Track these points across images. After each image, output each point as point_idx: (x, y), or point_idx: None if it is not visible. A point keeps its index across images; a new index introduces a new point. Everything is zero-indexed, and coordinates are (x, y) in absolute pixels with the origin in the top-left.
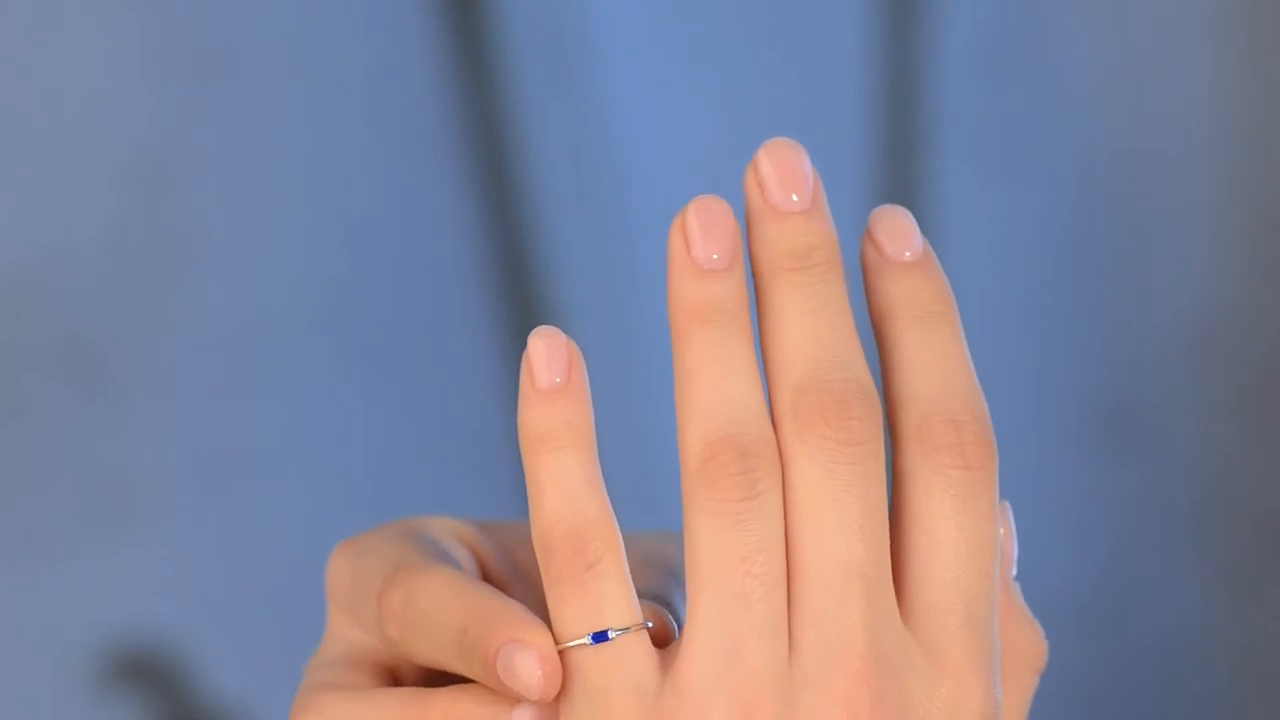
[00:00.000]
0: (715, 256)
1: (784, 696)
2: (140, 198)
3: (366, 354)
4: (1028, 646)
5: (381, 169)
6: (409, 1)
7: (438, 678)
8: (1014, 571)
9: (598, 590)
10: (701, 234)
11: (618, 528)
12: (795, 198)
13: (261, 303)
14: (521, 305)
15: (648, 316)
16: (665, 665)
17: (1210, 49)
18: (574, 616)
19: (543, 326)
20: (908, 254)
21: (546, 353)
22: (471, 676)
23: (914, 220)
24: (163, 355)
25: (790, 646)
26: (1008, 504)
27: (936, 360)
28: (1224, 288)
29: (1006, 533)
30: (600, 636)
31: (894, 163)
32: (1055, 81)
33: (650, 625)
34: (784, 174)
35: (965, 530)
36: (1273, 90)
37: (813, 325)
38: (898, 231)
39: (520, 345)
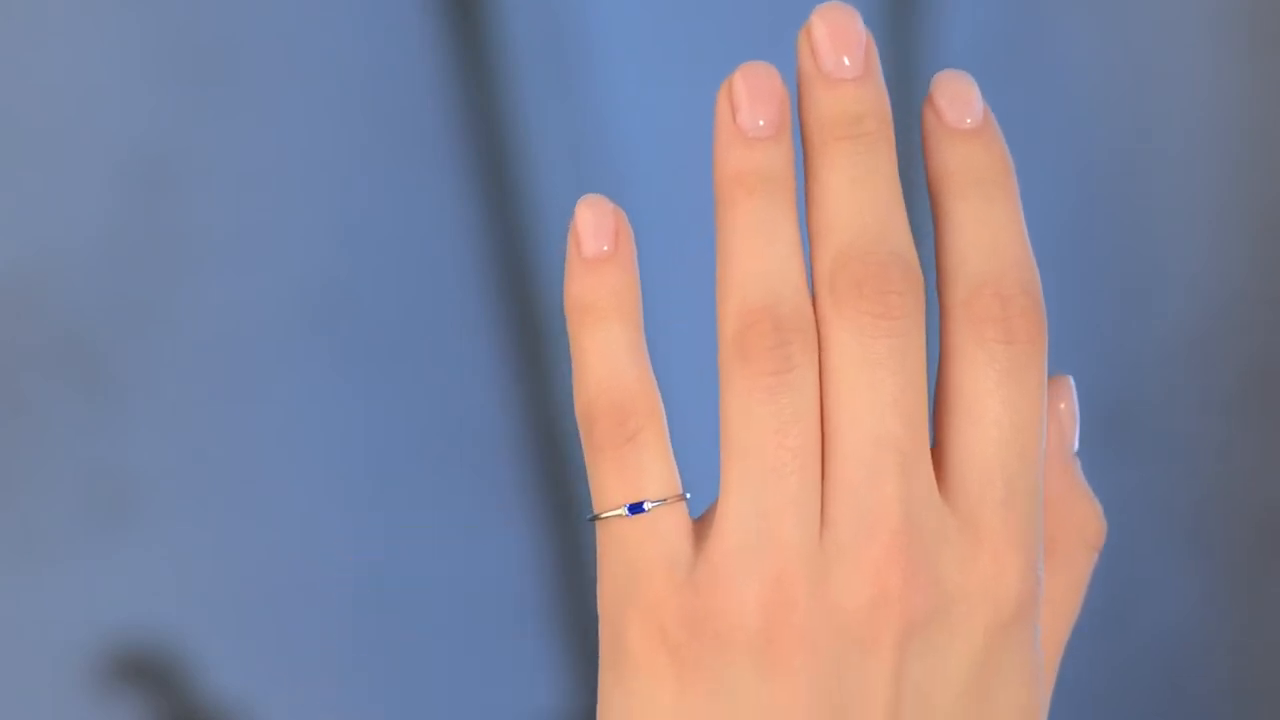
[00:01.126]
0: (761, 123)
1: (815, 570)
2: (140, 198)
3: (366, 354)
4: (1084, 524)
5: (381, 169)
6: (409, 1)
7: None
8: (1075, 447)
9: (636, 462)
10: (748, 100)
11: (658, 395)
12: (848, 61)
13: (261, 303)
14: (521, 305)
15: (647, 315)
16: (700, 538)
17: (1210, 49)
18: (612, 488)
19: (590, 195)
20: (969, 120)
21: (593, 221)
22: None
23: (976, 86)
24: (163, 355)
25: (823, 521)
26: (1070, 378)
27: (989, 230)
28: (1224, 288)
29: (1067, 407)
30: (637, 508)
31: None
32: (1055, 81)
33: (689, 497)
34: (837, 37)
35: (1008, 406)
36: (1273, 90)
37: (858, 195)
38: (959, 97)
39: (520, 345)
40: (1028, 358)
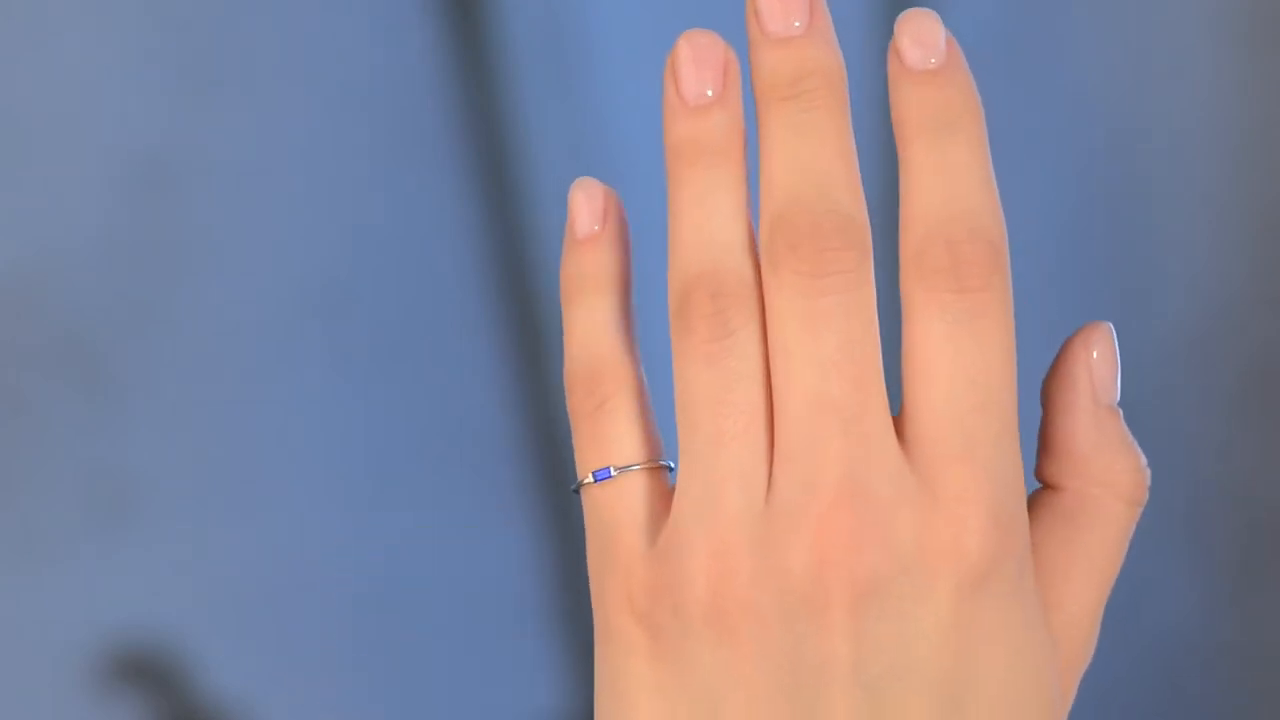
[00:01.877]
0: (710, 93)
1: (758, 537)
2: (140, 198)
3: (366, 354)
4: (1117, 477)
5: (381, 169)
6: (409, 2)
7: None
8: (1115, 398)
9: (607, 428)
10: (691, 69)
11: (635, 367)
12: (797, 23)
13: (261, 303)
14: (521, 305)
15: (647, 315)
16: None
17: (1210, 48)
18: (586, 454)
19: (583, 178)
20: (932, 60)
21: (585, 204)
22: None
23: (941, 24)
24: (163, 355)
25: (769, 487)
26: (1108, 325)
27: (942, 176)
28: (1223, 287)
29: (1101, 355)
30: (604, 474)
31: (894, 163)
32: (1056, 81)
33: (670, 465)
34: (782, 1)
35: (962, 358)
36: (1273, 90)
37: (797, 154)
38: (921, 38)
39: (520, 345)
40: (982, 306)
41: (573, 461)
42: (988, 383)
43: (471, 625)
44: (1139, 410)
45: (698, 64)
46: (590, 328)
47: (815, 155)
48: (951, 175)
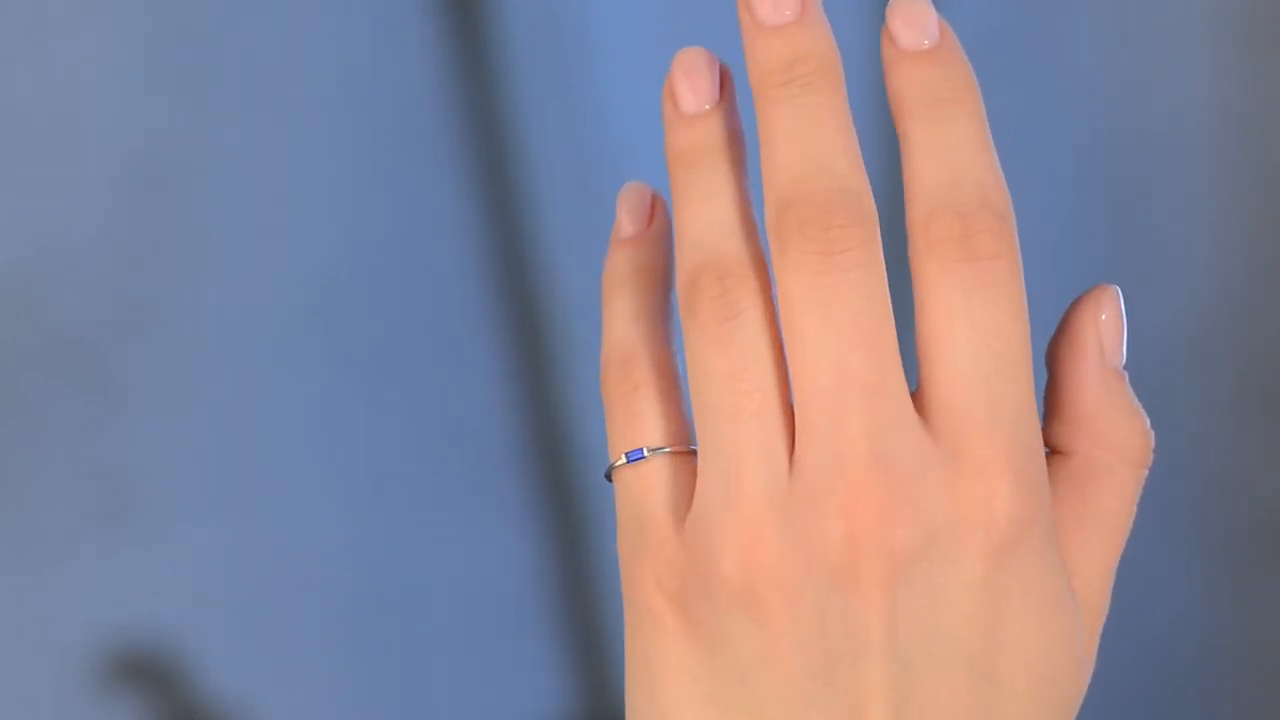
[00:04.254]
0: (706, 107)
1: (785, 514)
2: (140, 198)
3: (366, 354)
4: (1124, 440)
5: (381, 169)
6: (409, 2)
7: None
8: (1122, 360)
9: (640, 410)
10: (686, 86)
11: (668, 354)
12: (788, 12)
13: (261, 303)
14: (521, 305)
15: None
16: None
17: (1210, 49)
18: (619, 436)
19: (631, 183)
20: (925, 42)
21: (628, 206)
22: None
23: (931, 6)
24: (163, 355)
25: (793, 465)
26: (1115, 288)
27: (945, 149)
28: (1223, 287)
29: (1109, 318)
30: (637, 455)
31: (894, 163)
32: (1055, 80)
33: (696, 449)
34: None
35: (980, 324)
36: (1273, 90)
37: (796, 136)
38: (913, 20)
39: (520, 345)
40: (995, 274)
41: (574, 460)
42: (1006, 349)
43: (471, 625)
44: None
45: (691, 79)
46: (626, 318)
47: (813, 135)
48: (954, 149)
